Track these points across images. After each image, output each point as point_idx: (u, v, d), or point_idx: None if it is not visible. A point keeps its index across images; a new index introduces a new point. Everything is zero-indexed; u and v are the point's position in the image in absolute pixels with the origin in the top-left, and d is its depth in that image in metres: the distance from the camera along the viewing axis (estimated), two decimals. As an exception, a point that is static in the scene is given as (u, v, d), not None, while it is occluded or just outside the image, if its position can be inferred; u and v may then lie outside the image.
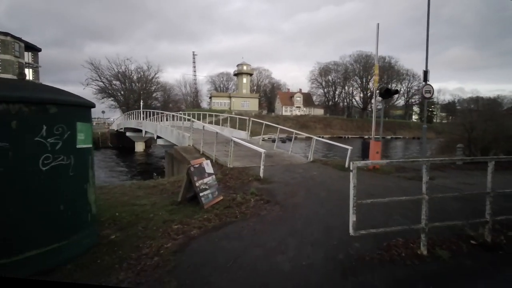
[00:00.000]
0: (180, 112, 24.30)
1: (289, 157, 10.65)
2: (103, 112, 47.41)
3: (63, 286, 1.43)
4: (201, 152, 10.57)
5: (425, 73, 7.82)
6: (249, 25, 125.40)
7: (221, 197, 5.65)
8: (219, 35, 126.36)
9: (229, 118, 17.12)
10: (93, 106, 3.71)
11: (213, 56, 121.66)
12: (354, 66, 77.91)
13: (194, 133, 11.93)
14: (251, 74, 75.66)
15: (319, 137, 11.73)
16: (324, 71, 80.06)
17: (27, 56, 45.00)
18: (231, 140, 8.42)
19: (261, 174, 7.36)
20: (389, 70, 75.56)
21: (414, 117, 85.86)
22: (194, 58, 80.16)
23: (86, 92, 49.31)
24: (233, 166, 8.48)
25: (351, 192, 3.25)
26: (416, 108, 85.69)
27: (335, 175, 8.25)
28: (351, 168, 3.23)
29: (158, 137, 15.79)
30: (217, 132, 9.59)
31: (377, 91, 9.49)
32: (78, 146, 3.23)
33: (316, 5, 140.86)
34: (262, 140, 16.36)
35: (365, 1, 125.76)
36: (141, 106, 35.20)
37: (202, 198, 5.08)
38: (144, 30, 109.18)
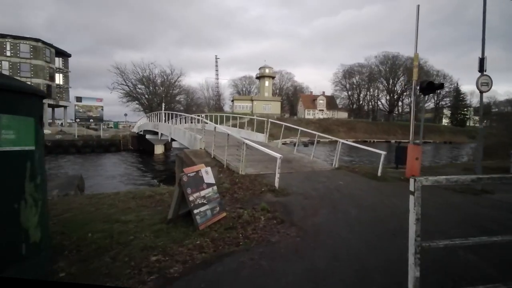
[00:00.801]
0: (199, 114, 23.65)
1: (311, 162, 9.40)
2: (125, 115, 48.28)
3: (63, 286, 1.49)
4: (212, 156, 9.58)
5: (481, 61, 6.30)
6: (268, 31, 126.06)
7: (224, 214, 4.56)
8: (238, 41, 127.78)
9: (246, 121, 15.97)
10: (39, 94, 2.74)
11: (233, 61, 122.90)
12: (380, 67, 74.55)
13: (207, 136, 10.97)
14: (273, 77, 74.60)
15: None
16: (348, 73, 77.36)
17: (58, 62, 46.79)
18: (243, 143, 7.33)
19: (276, 184, 6.20)
20: (418, 71, 71.44)
21: (445, 121, 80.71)
22: (216, 61, 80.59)
23: (113, 96, 50.57)
24: (245, 173, 7.39)
25: (412, 227, 2.02)
26: (447, 111, 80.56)
27: (366, 186, 6.90)
28: (411, 189, 2.00)
29: (173, 139, 15.08)
30: (228, 134, 8.55)
31: (417, 86, 8.01)
32: (2, 148, 2.25)
33: (335, 10, 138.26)
34: (283, 143, 15.18)
35: (385, 4, 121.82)
36: (163, 108, 35.16)
37: (197, 217, 4.00)
38: (168, 38, 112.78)
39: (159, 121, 20.09)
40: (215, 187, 4.63)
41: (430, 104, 78.36)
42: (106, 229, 3.99)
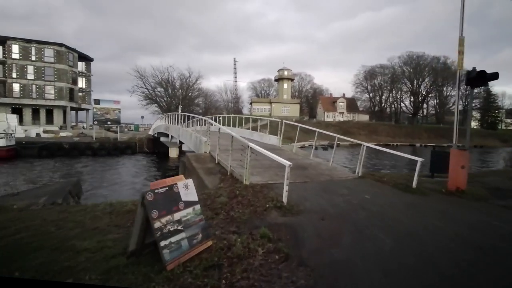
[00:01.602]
0: (213, 116, 22.80)
1: (329, 170, 8.07)
2: (142, 117, 48.28)
3: (63, 286, 1.55)
4: (216, 161, 8.48)
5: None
6: (285, 35, 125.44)
7: (209, 243, 3.41)
8: (256, 46, 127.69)
9: (259, 124, 14.66)
10: None
11: (252, 65, 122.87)
12: (404, 68, 71.03)
13: (213, 138, 9.91)
14: (292, 79, 73.13)
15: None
16: (370, 74, 74.37)
17: (81, 66, 47.96)
18: (247, 146, 6.17)
19: (285, 199, 4.98)
20: (444, 72, 67.39)
21: (474, 123, 75.55)
22: (235, 64, 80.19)
23: (133, 99, 51.16)
24: (250, 182, 6.22)
25: None
26: (476, 113, 75.46)
27: (399, 202, 5.52)
28: None
29: (181, 142, 14.20)
30: (232, 136, 7.41)
31: (462, 77, 6.52)
32: None
33: (353, 13, 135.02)
34: (300, 147, 13.91)
35: (403, 5, 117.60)
36: (179, 111, 34.75)
37: (165, 251, 2.87)
38: (188, 43, 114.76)
39: (170, 123, 19.40)
40: (197, 207, 3.48)
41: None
42: (46, 263, 2.96)
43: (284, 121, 11.71)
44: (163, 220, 3.00)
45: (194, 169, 7.87)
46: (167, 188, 3.26)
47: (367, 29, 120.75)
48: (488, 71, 5.86)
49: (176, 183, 3.39)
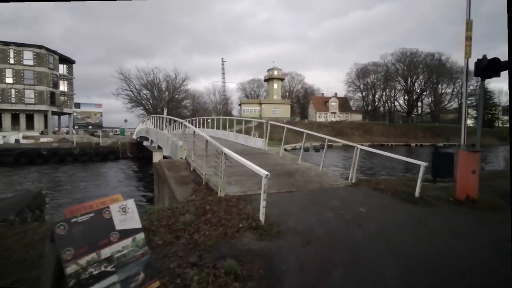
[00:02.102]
0: (198, 118, 21.64)
1: (319, 176, 7.12)
2: (125, 121, 46.26)
3: None
4: (192, 169, 7.45)
5: None
6: (276, 34, 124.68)
7: (156, 284, 2.40)
8: (246, 46, 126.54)
9: (244, 127, 13.51)
10: None
11: (242, 65, 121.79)
12: (397, 65, 70.88)
13: (189, 142, 8.87)
14: (282, 79, 72.38)
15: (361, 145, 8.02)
16: (363, 73, 74.03)
17: (62, 68, 46.18)
18: (221, 152, 5.18)
19: (262, 217, 3.99)
20: (439, 69, 67.44)
21: (470, 121, 75.87)
22: (223, 64, 78.97)
23: (120, 102, 49.62)
24: (226, 193, 5.22)
25: None
26: (472, 111, 75.78)
27: (402, 216, 4.58)
28: None
29: (159, 147, 13.15)
30: (206, 140, 6.39)
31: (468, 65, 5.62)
32: None
33: (344, 11, 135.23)
34: (292, 149, 12.94)
35: (395, 3, 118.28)
36: (165, 113, 33.51)
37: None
38: (177, 45, 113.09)
39: (154, 126, 18.26)
40: (139, 236, 2.44)
41: (453, 104, 74.11)
42: None
43: (269, 122, 10.74)
44: (82, 260, 1.98)
45: (166, 178, 6.82)
46: (92, 214, 2.23)
47: (359, 27, 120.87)
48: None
49: (108, 207, 2.36)
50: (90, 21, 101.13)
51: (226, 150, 5.16)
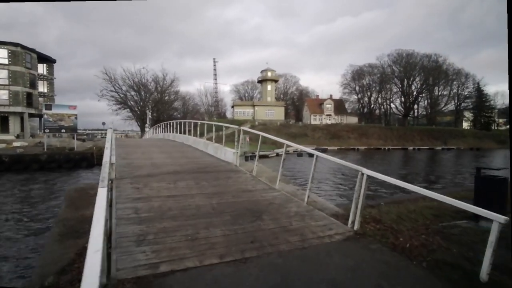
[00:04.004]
0: (175, 121, 19.07)
1: (302, 216, 4.33)
2: (103, 123, 42.93)
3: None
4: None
5: None
6: (266, 40, 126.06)
7: None
8: (238, 50, 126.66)
9: (212, 134, 10.34)
10: None
11: (235, 69, 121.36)
12: (393, 67, 69.01)
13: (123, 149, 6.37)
14: (276, 81, 69.98)
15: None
16: (358, 74, 71.95)
17: (42, 68, 43.38)
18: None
19: None
20: (435, 71, 65.67)
21: (466, 124, 74.17)
22: (214, 64, 76.12)
23: (102, 104, 46.80)
24: (119, 277, 2.70)
25: None
26: (468, 114, 74.05)
27: None
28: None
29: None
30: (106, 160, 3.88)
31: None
32: None
33: (332, 17, 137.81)
34: (281, 154, 10.44)
35: (381, 10, 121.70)
36: (148, 116, 30.90)
37: None
38: (170, 49, 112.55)
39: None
40: None
41: (449, 106, 72.39)
42: None
43: (243, 128, 8.25)
44: None
45: (58, 222, 4.30)
46: None
47: (347, 33, 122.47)
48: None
49: None
50: (84, 26, 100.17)
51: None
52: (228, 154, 8.30)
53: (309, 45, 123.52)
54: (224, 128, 8.98)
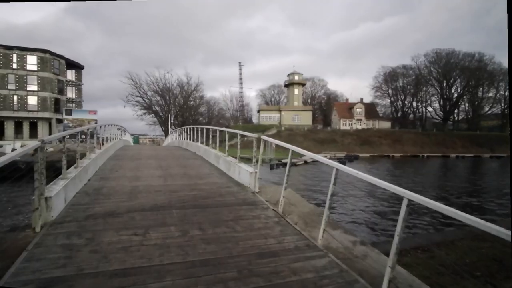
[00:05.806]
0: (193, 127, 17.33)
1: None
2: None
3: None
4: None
5: None
6: (288, 47, 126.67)
7: None
8: (261, 59, 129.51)
9: (233, 141, 8.12)
10: None
11: (258, 76, 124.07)
12: (431, 68, 63.64)
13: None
14: (303, 84, 67.20)
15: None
16: (391, 76, 67.28)
17: (71, 74, 44.13)
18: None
19: None
20: (479, 71, 59.58)
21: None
22: (240, 69, 74.77)
23: (127, 110, 46.84)
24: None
25: None
26: (516, 117, 66.39)
27: None
28: None
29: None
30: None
31: None
32: None
33: (354, 24, 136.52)
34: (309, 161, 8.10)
35: (403, 14, 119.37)
36: (170, 120, 29.70)
37: None
38: (195, 58, 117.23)
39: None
40: None
41: (494, 110, 65.47)
42: None
43: (263, 137, 5.99)
44: None
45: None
46: None
47: (368, 39, 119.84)
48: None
49: None
50: (117, 39, 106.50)
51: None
52: (243, 174, 6.03)
53: (329, 51, 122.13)
54: (239, 136, 6.71)
